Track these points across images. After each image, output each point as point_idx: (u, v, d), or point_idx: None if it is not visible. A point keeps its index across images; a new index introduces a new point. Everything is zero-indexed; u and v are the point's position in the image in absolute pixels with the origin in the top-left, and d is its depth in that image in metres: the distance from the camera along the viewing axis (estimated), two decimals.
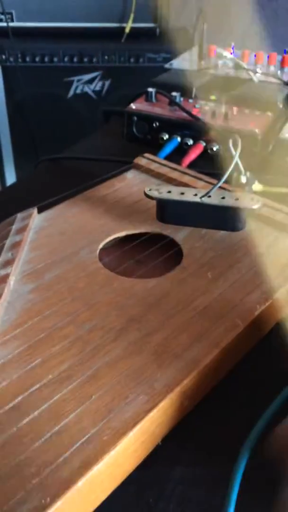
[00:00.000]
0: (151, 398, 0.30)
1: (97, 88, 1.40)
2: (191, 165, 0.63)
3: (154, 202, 0.46)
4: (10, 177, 1.45)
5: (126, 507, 0.29)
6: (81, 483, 0.26)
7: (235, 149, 0.42)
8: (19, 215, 0.46)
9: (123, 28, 1.37)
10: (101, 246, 0.44)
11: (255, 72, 0.81)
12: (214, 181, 0.52)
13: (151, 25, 1.39)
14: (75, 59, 1.36)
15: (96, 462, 0.27)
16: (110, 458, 0.27)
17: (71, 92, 1.40)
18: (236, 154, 0.42)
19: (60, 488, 0.25)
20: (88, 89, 1.40)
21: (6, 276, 0.38)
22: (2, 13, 1.32)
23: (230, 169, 0.41)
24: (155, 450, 0.31)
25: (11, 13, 1.36)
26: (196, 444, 0.32)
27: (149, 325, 0.36)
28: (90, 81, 1.39)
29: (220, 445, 0.32)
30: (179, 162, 0.60)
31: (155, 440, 0.31)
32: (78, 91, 1.40)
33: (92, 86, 1.40)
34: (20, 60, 1.35)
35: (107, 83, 1.40)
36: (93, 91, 1.40)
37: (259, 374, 0.37)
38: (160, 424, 0.31)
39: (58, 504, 0.25)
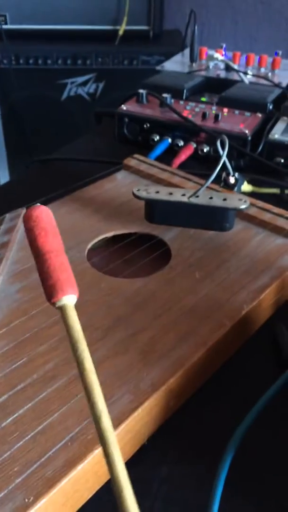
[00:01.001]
0: (136, 397, 0.30)
1: (91, 90, 1.41)
2: (182, 166, 0.63)
3: (143, 203, 0.46)
4: (4, 178, 1.45)
5: (112, 505, 0.29)
6: (65, 482, 0.26)
7: (223, 149, 0.42)
8: (8, 216, 0.46)
9: (117, 31, 1.37)
10: (89, 246, 0.44)
11: (246, 74, 0.82)
12: (203, 182, 0.52)
13: (144, 27, 1.39)
14: (68, 62, 1.36)
15: (80, 461, 0.27)
16: (94, 457, 0.27)
17: (64, 94, 1.40)
18: (223, 154, 0.42)
19: (44, 487, 0.25)
20: (81, 91, 1.40)
21: None
22: None
23: (217, 169, 0.42)
24: (141, 449, 0.31)
25: (4, 16, 1.36)
26: (182, 443, 0.32)
27: (136, 325, 0.36)
28: (84, 83, 1.40)
29: (206, 444, 0.32)
30: (169, 163, 0.61)
31: (141, 439, 0.31)
32: (72, 93, 1.40)
33: (85, 88, 1.40)
34: (13, 62, 1.35)
35: (100, 85, 1.40)
36: (87, 93, 1.41)
37: (245, 373, 0.37)
38: (146, 423, 0.31)
39: (42, 503, 0.25)
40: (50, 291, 0.25)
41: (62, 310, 0.25)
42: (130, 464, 0.30)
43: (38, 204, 0.29)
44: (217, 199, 0.43)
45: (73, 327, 0.24)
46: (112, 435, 0.21)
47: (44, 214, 0.28)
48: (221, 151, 0.43)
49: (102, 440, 0.21)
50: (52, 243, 0.27)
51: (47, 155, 0.68)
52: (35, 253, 0.27)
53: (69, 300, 0.26)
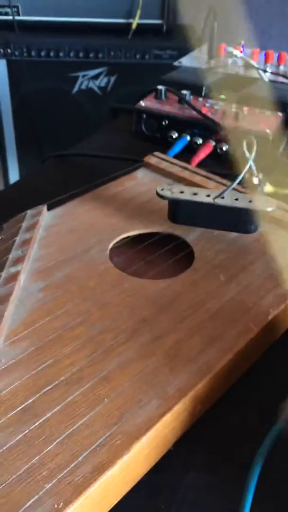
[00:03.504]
0: (164, 402, 0.30)
1: (102, 84, 1.39)
2: (200, 165, 0.62)
3: (164, 202, 0.45)
4: (13, 172, 1.44)
5: (137, 511, 0.28)
6: (93, 488, 0.26)
7: (250, 150, 0.41)
8: (29, 212, 0.46)
9: (130, 24, 1.35)
10: (111, 245, 0.44)
11: (265, 71, 0.80)
12: (225, 181, 0.51)
13: (158, 21, 1.38)
14: (80, 54, 1.35)
15: (108, 467, 0.26)
16: (122, 463, 0.27)
17: (76, 88, 1.39)
18: (251, 156, 0.41)
19: (74, 493, 0.25)
20: (93, 84, 1.39)
21: (17, 273, 0.38)
22: (8, 7, 1.31)
23: (245, 171, 0.41)
24: (167, 455, 0.31)
25: (17, 7, 1.34)
26: (208, 449, 0.31)
27: (161, 327, 0.35)
28: (96, 77, 1.38)
29: (233, 450, 0.31)
30: (188, 161, 0.60)
31: (167, 445, 0.31)
32: (83, 86, 1.39)
33: (97, 82, 1.39)
34: (25, 54, 1.33)
35: (112, 79, 1.39)
36: (98, 87, 1.40)
37: (273, 378, 0.36)
38: (173, 428, 0.30)
39: (71, 509, 0.25)
40: None
41: None
42: (156, 470, 0.30)
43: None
44: (243, 201, 0.42)
45: None
46: None
47: None
48: (247, 153, 0.42)
49: None
50: None
51: (57, 148, 0.67)
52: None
53: None
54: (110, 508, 0.28)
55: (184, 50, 1.00)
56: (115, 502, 0.28)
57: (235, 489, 0.29)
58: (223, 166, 0.63)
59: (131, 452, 0.27)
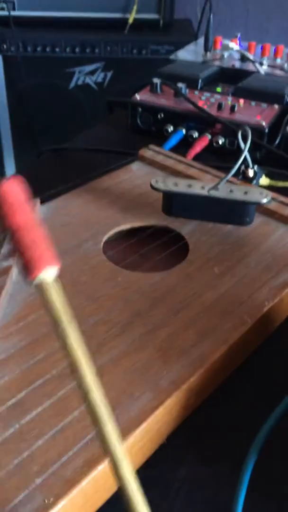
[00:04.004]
0: (157, 395, 0.29)
1: (99, 79, 1.39)
2: (196, 158, 0.62)
3: (159, 195, 0.45)
4: (10, 167, 1.44)
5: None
6: (85, 483, 0.25)
7: (245, 141, 0.41)
8: None
9: (126, 19, 1.34)
10: (105, 238, 0.43)
11: (262, 64, 0.80)
12: (221, 174, 0.50)
13: (154, 16, 1.37)
14: (77, 50, 1.34)
15: (100, 461, 0.26)
16: None
17: (72, 83, 1.38)
18: (245, 146, 0.41)
19: (64, 488, 0.25)
20: (89, 80, 1.38)
21: (8, 267, 0.37)
22: (4, 2, 1.30)
23: (239, 162, 0.40)
24: (160, 449, 0.30)
25: (12, 2, 1.33)
26: (202, 443, 0.31)
27: (154, 320, 0.35)
28: (92, 72, 1.38)
29: (226, 444, 0.31)
30: (184, 155, 0.59)
31: (161, 438, 0.30)
32: (80, 82, 1.38)
33: (93, 77, 1.38)
34: (21, 49, 1.33)
35: (109, 74, 1.38)
36: (95, 82, 1.39)
37: (268, 372, 0.36)
38: (166, 422, 0.30)
39: (62, 504, 0.24)
40: (24, 271, 0.24)
41: (39, 287, 0.24)
42: (149, 464, 0.30)
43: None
44: (238, 193, 0.42)
45: (55, 302, 0.23)
46: (104, 410, 0.21)
47: (13, 189, 0.26)
48: (242, 144, 0.41)
49: (93, 416, 0.20)
50: (21, 219, 0.25)
51: (54, 143, 0.67)
52: (8, 231, 0.25)
53: (45, 275, 0.24)
54: (103, 503, 0.28)
55: (181, 44, 0.99)
56: (108, 497, 0.28)
57: (229, 482, 0.28)
58: (219, 159, 0.63)
59: (123, 446, 0.27)
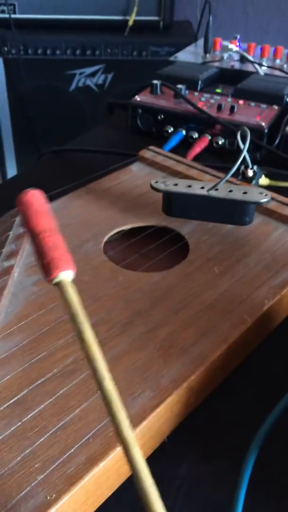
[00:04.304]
0: (158, 394, 0.30)
1: (100, 81, 1.39)
2: (196, 158, 0.62)
3: (159, 195, 0.45)
4: (11, 169, 1.44)
5: (132, 504, 0.28)
6: (87, 480, 0.25)
7: (244, 141, 0.41)
8: None
9: (126, 21, 1.35)
10: (105, 239, 0.44)
11: (261, 65, 0.80)
12: (221, 175, 0.51)
13: (154, 18, 1.37)
14: (77, 52, 1.35)
15: (102, 458, 0.26)
16: (116, 454, 0.27)
17: (73, 85, 1.38)
18: (244, 147, 0.41)
19: (66, 485, 0.25)
20: (90, 82, 1.39)
21: (10, 267, 0.38)
22: (5, 5, 1.31)
23: (238, 162, 0.41)
24: (161, 447, 0.31)
25: (13, 5, 1.34)
26: (203, 441, 0.31)
27: (155, 320, 0.35)
28: (93, 74, 1.38)
29: (227, 442, 0.31)
30: (184, 155, 0.60)
31: (161, 437, 0.31)
32: (80, 84, 1.39)
33: (94, 79, 1.39)
34: (22, 52, 1.33)
35: (109, 76, 1.38)
36: (96, 84, 1.39)
37: (267, 370, 0.36)
38: (166, 420, 0.30)
39: (64, 500, 0.24)
40: (45, 270, 0.26)
41: (58, 286, 0.26)
42: (150, 462, 0.30)
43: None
44: (237, 193, 0.42)
45: (71, 301, 0.25)
46: (116, 398, 0.22)
47: (35, 197, 0.29)
48: (241, 144, 0.42)
49: (106, 403, 0.22)
50: (44, 224, 0.27)
51: (55, 146, 0.67)
52: (30, 235, 0.28)
53: (65, 276, 0.26)
54: (104, 500, 0.28)
55: (181, 46, 0.99)
56: (109, 494, 0.28)
57: (229, 480, 0.28)
58: (219, 159, 0.63)
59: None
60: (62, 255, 0.26)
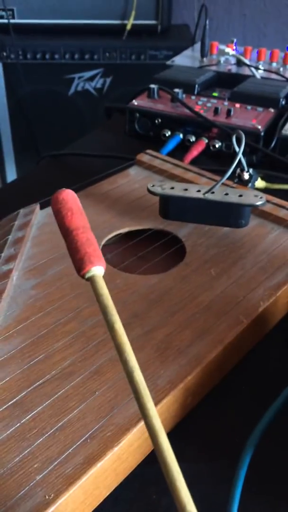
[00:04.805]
0: (155, 394, 0.30)
1: (98, 85, 1.40)
2: (194, 162, 0.63)
3: (156, 199, 0.46)
4: (11, 173, 1.45)
5: (130, 503, 0.29)
6: (85, 479, 0.26)
7: (239, 145, 0.42)
8: (22, 211, 0.46)
9: (125, 25, 1.36)
10: (103, 242, 0.44)
11: (258, 69, 0.81)
12: (217, 178, 0.51)
13: (152, 22, 1.38)
14: (76, 56, 1.36)
15: (99, 458, 0.27)
16: (113, 454, 0.27)
17: (72, 89, 1.39)
18: (240, 150, 0.42)
19: (64, 484, 0.25)
20: (89, 86, 1.40)
21: (9, 271, 0.38)
22: (3, 10, 1.32)
23: (233, 165, 0.41)
24: None
25: (12, 10, 1.35)
26: (200, 440, 0.32)
27: (152, 321, 0.35)
28: (91, 78, 1.39)
29: (224, 441, 0.32)
30: (181, 159, 0.60)
31: None
32: (79, 88, 1.40)
33: (93, 83, 1.39)
34: (21, 57, 1.34)
35: (108, 80, 1.39)
36: (94, 88, 1.40)
37: (263, 371, 0.36)
38: (164, 420, 0.31)
39: (62, 500, 0.25)
40: (79, 264, 0.27)
41: (91, 280, 0.27)
42: (148, 461, 0.30)
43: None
44: (233, 195, 0.43)
45: (103, 294, 0.26)
46: (145, 388, 0.23)
47: (69, 196, 0.30)
48: (237, 147, 0.42)
49: (136, 393, 0.23)
50: (78, 221, 0.29)
51: (54, 150, 0.68)
52: (63, 232, 0.29)
53: (97, 271, 0.27)
54: (103, 499, 0.28)
55: (179, 49, 1.00)
56: (107, 493, 0.28)
57: (227, 479, 0.29)
58: (216, 162, 0.64)
59: (121, 444, 0.28)
60: (95, 251, 0.27)
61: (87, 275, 0.27)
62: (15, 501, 0.25)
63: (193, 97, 0.71)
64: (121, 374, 0.31)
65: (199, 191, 0.43)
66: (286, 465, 0.30)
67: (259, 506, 0.28)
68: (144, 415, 0.22)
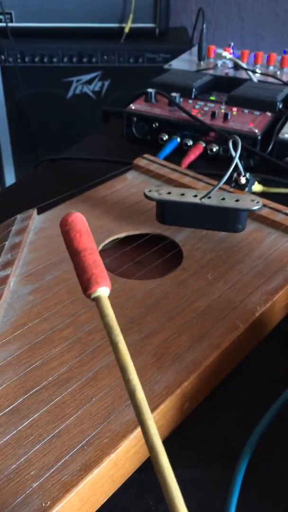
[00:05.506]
0: (152, 400, 0.30)
1: (96, 88, 1.40)
2: (191, 166, 0.63)
3: (154, 203, 0.46)
4: (9, 177, 1.45)
5: (127, 509, 0.29)
6: (81, 486, 0.26)
7: (235, 149, 0.42)
8: (19, 216, 0.46)
9: (123, 28, 1.36)
10: (100, 247, 0.44)
11: (255, 72, 0.81)
12: (214, 182, 0.51)
13: (150, 25, 1.38)
14: (74, 60, 1.36)
15: (96, 465, 0.27)
16: (110, 461, 0.27)
17: (70, 93, 1.40)
18: (236, 155, 0.42)
19: (61, 491, 0.25)
20: (87, 89, 1.40)
21: (6, 277, 0.38)
22: (2, 14, 1.32)
23: (230, 170, 0.41)
24: None
25: (10, 14, 1.35)
26: (197, 446, 0.32)
27: (149, 327, 0.35)
28: (90, 82, 1.39)
29: (221, 447, 0.32)
30: (178, 163, 0.60)
31: None
32: (77, 91, 1.40)
33: (91, 87, 1.40)
34: (19, 60, 1.34)
35: (106, 83, 1.39)
36: (92, 91, 1.40)
37: (260, 376, 0.36)
38: (161, 426, 0.31)
39: (59, 507, 0.25)
40: (85, 284, 0.28)
41: (97, 300, 0.28)
42: (144, 468, 0.30)
43: (73, 211, 0.32)
44: (229, 200, 0.43)
45: (108, 314, 0.27)
46: (146, 406, 0.23)
47: (78, 218, 0.31)
48: (233, 152, 0.42)
49: (137, 411, 0.23)
50: (86, 243, 0.30)
51: (53, 153, 0.68)
52: (71, 252, 0.30)
53: (102, 291, 0.28)
54: (99, 506, 0.28)
55: (177, 52, 1.00)
56: (104, 500, 0.28)
57: (223, 484, 0.29)
58: (213, 166, 0.64)
59: (118, 450, 0.28)
60: (101, 272, 0.29)
61: (93, 295, 0.28)
62: (11, 509, 0.25)
63: (190, 101, 0.71)
64: (118, 381, 0.31)
65: (195, 196, 0.43)
66: (283, 469, 0.31)
67: (256, 511, 0.28)
68: (145, 434, 0.23)
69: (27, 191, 0.61)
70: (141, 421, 0.23)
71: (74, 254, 0.30)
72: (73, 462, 0.27)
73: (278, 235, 0.45)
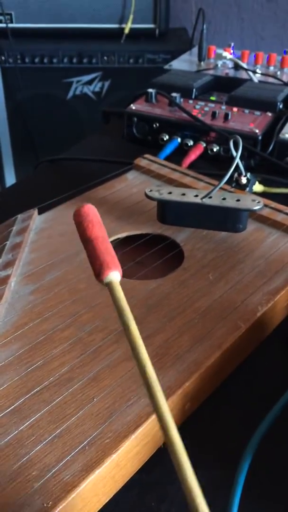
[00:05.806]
0: None
1: (97, 89, 1.40)
2: (191, 166, 0.63)
3: (154, 203, 0.46)
4: (10, 178, 1.45)
5: (129, 510, 0.29)
6: (83, 487, 0.26)
7: (236, 149, 0.42)
8: (20, 216, 0.46)
9: (123, 29, 1.36)
10: None
11: (255, 73, 0.81)
12: (215, 182, 0.51)
13: (150, 26, 1.39)
14: (74, 60, 1.36)
15: (98, 465, 0.27)
16: (112, 461, 0.27)
17: (70, 93, 1.40)
18: (237, 154, 0.42)
19: (63, 492, 0.25)
20: (87, 90, 1.40)
21: (7, 277, 0.38)
22: (1, 14, 1.32)
23: (231, 170, 0.41)
24: (157, 453, 0.31)
25: (10, 14, 1.35)
26: (198, 446, 0.32)
27: (150, 327, 0.35)
28: (90, 82, 1.39)
29: (222, 447, 0.32)
30: (179, 163, 0.60)
31: (157, 443, 0.31)
32: (78, 92, 1.40)
33: (91, 87, 1.40)
34: (19, 61, 1.34)
35: (106, 84, 1.39)
36: (93, 92, 1.40)
37: (262, 376, 0.36)
38: None
39: (60, 507, 0.25)
40: (98, 269, 0.29)
41: (109, 285, 0.29)
42: (146, 468, 0.30)
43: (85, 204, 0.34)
44: (230, 200, 0.43)
45: (119, 298, 0.28)
46: (157, 383, 0.24)
47: (91, 210, 0.33)
48: (234, 152, 0.42)
49: (148, 388, 0.24)
50: (98, 232, 0.31)
51: (53, 154, 0.68)
52: (84, 240, 0.31)
53: (114, 276, 0.29)
54: (101, 506, 0.28)
55: (177, 53, 1.00)
56: (106, 500, 0.28)
57: (225, 486, 0.29)
58: (214, 166, 0.64)
59: (120, 451, 0.28)
60: (113, 258, 0.30)
61: (106, 280, 0.29)
62: (13, 509, 0.24)
63: (190, 101, 0.71)
64: (119, 381, 0.31)
65: (196, 195, 0.43)
66: (285, 470, 0.30)
67: (258, 511, 0.28)
68: (157, 412, 0.23)
69: (28, 192, 0.61)
70: (153, 400, 0.23)
71: (87, 242, 0.31)
72: (75, 462, 0.27)
73: (279, 235, 0.45)
